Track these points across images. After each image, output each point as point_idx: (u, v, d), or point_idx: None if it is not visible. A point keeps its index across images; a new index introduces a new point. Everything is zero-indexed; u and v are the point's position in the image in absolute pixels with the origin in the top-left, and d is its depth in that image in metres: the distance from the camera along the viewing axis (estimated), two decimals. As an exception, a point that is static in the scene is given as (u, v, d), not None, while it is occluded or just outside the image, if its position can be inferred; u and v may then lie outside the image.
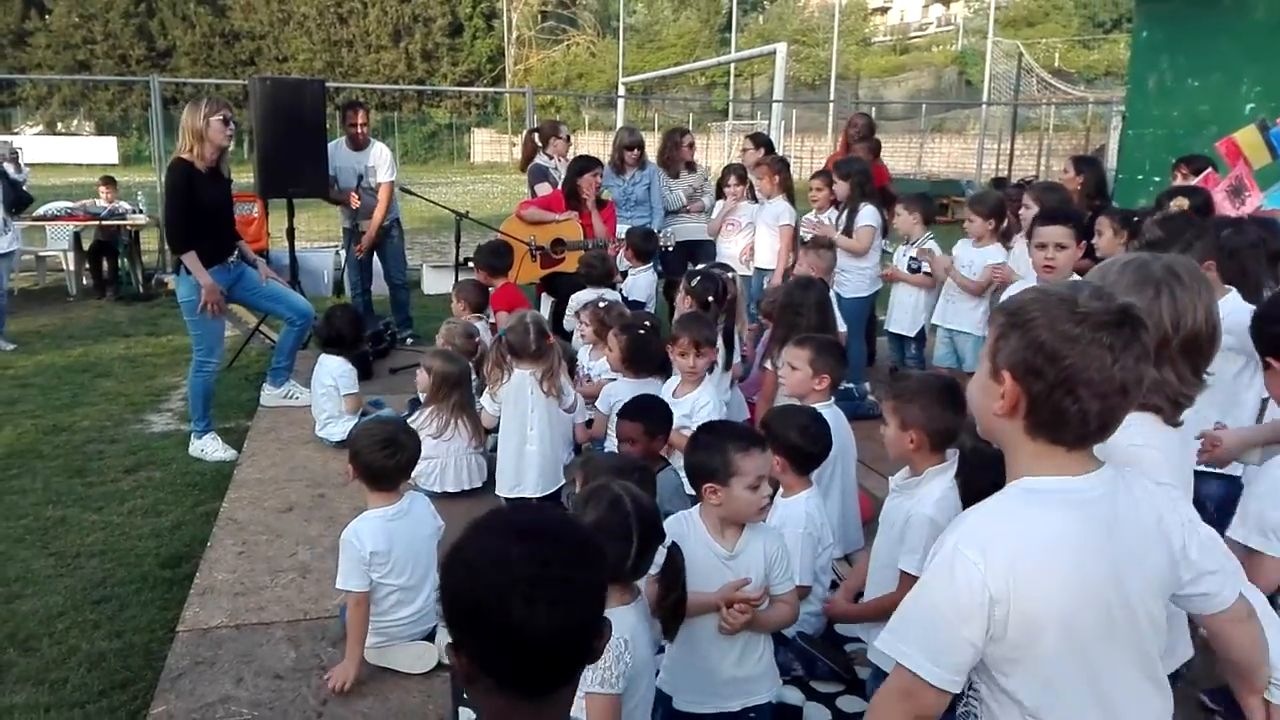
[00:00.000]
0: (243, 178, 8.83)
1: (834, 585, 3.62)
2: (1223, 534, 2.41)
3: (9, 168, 8.72)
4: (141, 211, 10.53)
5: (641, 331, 4.54)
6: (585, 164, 7.07)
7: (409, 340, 7.81)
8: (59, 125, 39.08)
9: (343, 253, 7.62)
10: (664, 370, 4.61)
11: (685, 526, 2.62)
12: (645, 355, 4.51)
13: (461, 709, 3.01)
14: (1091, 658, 1.50)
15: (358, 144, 7.59)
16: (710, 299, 5.18)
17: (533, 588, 1.23)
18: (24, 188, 9.50)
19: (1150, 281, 1.79)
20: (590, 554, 1.33)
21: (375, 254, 7.91)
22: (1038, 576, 1.45)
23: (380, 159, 7.60)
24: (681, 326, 4.42)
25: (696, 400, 4.30)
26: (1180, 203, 4.83)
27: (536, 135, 7.81)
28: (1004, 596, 1.44)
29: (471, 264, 6.51)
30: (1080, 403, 1.46)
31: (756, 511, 2.58)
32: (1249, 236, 3.26)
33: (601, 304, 5.28)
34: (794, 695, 3.10)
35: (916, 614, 1.53)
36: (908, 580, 2.65)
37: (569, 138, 7.91)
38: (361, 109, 7.66)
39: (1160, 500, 1.60)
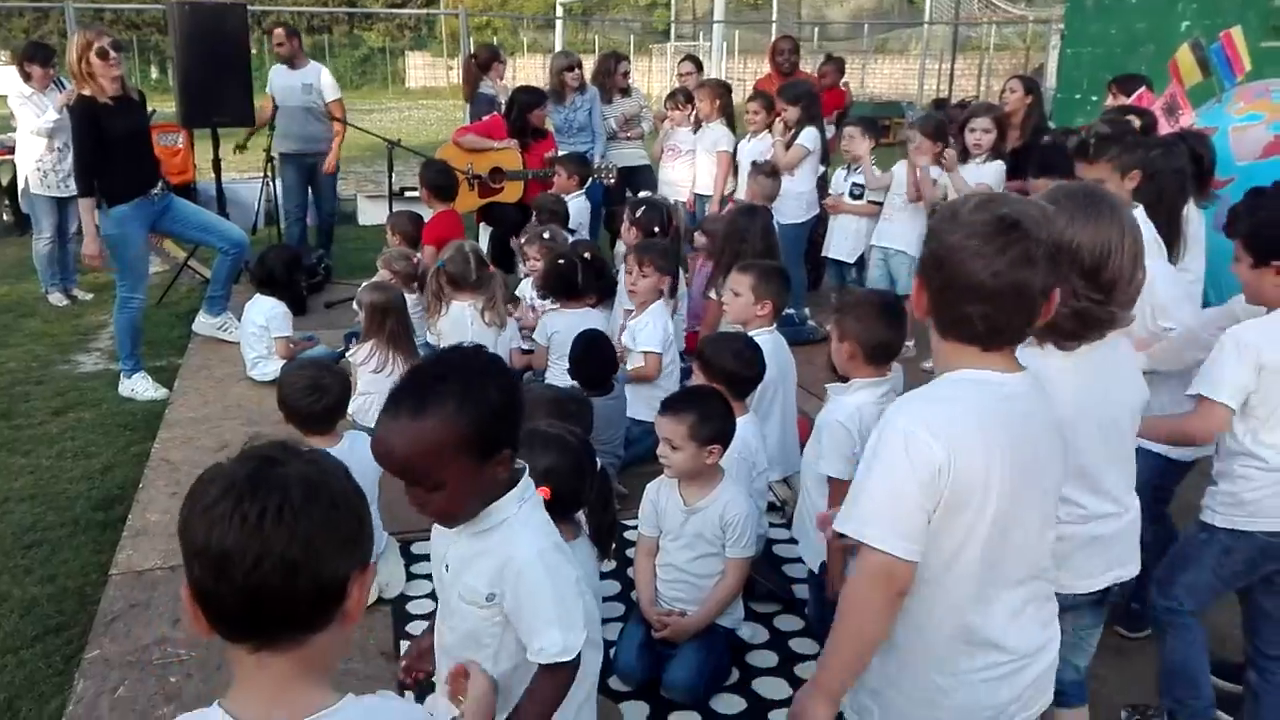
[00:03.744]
0: (166, 106, 8.52)
1: (771, 507, 3.67)
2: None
3: None
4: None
5: (560, 260, 4.53)
6: (534, 98, 6.88)
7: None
8: (-30, 54, 37.35)
9: (273, 183, 7.39)
10: (602, 299, 4.61)
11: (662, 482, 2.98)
12: (562, 282, 4.51)
13: (403, 643, 3.02)
14: (998, 529, 1.59)
15: (294, 64, 7.43)
16: (656, 228, 5.17)
17: None
18: None
19: (1100, 207, 1.91)
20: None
21: (308, 184, 7.71)
22: (968, 445, 1.55)
23: (323, 78, 7.49)
24: (634, 250, 4.45)
25: (638, 323, 4.36)
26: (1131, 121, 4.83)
27: (474, 62, 7.60)
28: (947, 466, 1.53)
29: (416, 182, 6.39)
30: (963, 306, 1.57)
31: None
32: (1175, 162, 3.28)
33: (546, 235, 5.21)
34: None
35: (877, 497, 1.59)
36: (835, 484, 2.78)
37: (505, 62, 7.75)
38: (280, 28, 7.61)
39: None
